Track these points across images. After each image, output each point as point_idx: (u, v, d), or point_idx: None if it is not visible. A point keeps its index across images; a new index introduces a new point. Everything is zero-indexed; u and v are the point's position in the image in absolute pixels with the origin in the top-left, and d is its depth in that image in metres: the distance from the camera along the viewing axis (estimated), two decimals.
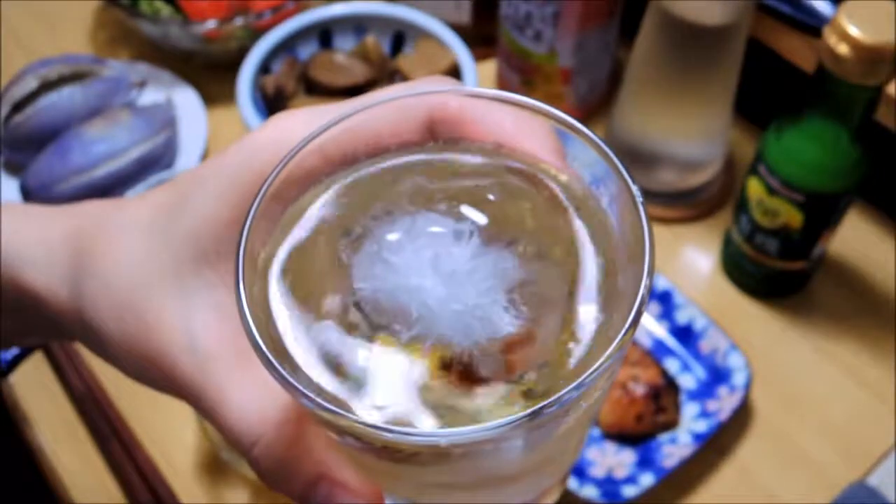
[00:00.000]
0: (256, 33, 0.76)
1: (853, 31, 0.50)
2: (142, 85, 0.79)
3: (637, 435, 0.60)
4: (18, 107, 0.74)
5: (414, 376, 0.23)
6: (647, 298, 0.22)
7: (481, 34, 0.79)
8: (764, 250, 0.64)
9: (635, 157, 0.69)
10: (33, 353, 0.66)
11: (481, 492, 0.27)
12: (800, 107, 0.57)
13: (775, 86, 0.71)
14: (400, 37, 0.76)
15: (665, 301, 0.65)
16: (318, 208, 0.26)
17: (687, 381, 0.63)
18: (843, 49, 0.51)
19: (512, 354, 0.23)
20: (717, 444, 0.61)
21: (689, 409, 0.61)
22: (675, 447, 0.59)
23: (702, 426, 0.60)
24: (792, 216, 0.60)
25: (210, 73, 0.81)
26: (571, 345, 0.23)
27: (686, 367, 0.64)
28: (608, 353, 0.21)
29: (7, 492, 0.88)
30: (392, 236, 0.25)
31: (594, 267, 0.24)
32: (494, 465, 0.24)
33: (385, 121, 0.27)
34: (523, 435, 0.22)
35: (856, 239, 0.70)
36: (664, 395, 0.60)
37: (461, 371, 0.23)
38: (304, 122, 0.27)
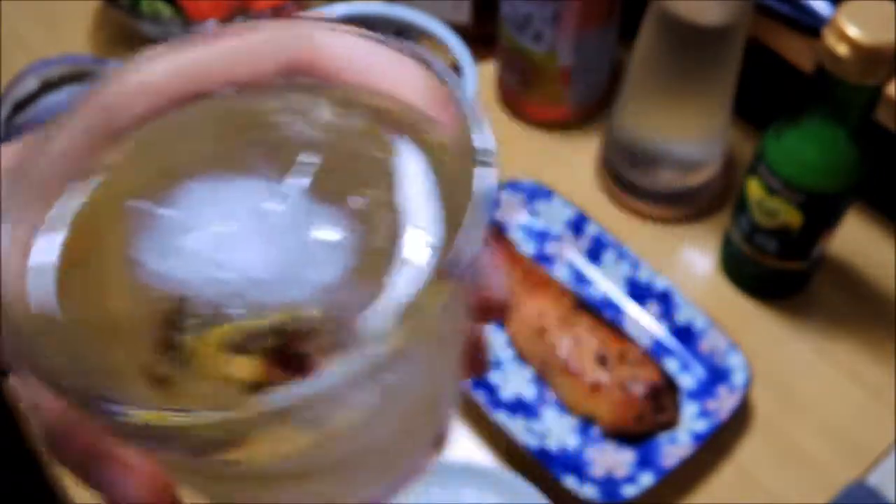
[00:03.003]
0: None
1: (852, 31, 0.50)
2: None
3: (637, 434, 0.60)
4: (20, 107, 0.74)
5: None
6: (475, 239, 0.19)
7: (481, 34, 0.79)
8: (763, 250, 0.64)
9: (635, 158, 0.69)
10: None
11: (303, 485, 0.22)
12: (799, 107, 0.57)
13: (775, 86, 0.71)
14: (400, 37, 0.76)
15: (665, 301, 0.65)
16: (105, 173, 0.23)
17: (686, 381, 0.63)
18: (842, 49, 0.51)
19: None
20: (717, 443, 0.61)
21: (689, 409, 0.62)
22: (675, 447, 0.59)
23: (701, 426, 0.60)
24: (792, 216, 0.60)
25: None
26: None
27: (686, 367, 0.64)
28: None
29: (7, 492, 0.88)
30: (191, 202, 0.21)
31: (428, 213, 0.21)
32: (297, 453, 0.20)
33: (229, 70, 0.23)
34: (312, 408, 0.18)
35: (856, 239, 0.70)
36: (664, 395, 0.60)
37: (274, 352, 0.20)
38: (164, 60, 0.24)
